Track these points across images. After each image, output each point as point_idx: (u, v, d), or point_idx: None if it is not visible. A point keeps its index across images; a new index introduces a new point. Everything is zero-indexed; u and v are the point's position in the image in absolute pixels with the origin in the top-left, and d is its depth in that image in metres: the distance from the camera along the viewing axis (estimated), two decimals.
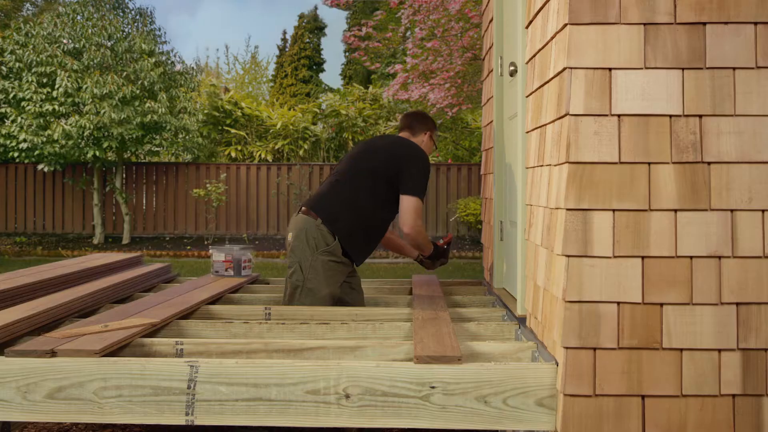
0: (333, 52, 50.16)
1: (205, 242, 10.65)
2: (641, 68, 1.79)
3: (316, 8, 25.11)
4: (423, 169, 2.91)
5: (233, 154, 12.56)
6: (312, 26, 24.71)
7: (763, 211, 1.78)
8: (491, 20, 3.26)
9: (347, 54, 23.82)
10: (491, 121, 3.31)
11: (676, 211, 1.78)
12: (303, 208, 2.92)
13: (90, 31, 10.10)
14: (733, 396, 1.77)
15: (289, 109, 14.43)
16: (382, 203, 2.91)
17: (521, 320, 2.39)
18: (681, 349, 1.77)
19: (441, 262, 3.26)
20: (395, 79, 10.38)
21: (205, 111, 12.59)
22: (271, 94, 22.70)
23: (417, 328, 2.21)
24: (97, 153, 9.78)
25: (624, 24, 1.80)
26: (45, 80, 9.77)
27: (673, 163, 1.79)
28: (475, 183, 11.34)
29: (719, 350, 1.77)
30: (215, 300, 2.98)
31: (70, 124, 9.44)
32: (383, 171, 2.88)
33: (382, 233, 3.04)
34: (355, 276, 3.03)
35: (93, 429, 2.73)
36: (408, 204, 2.82)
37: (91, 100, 9.54)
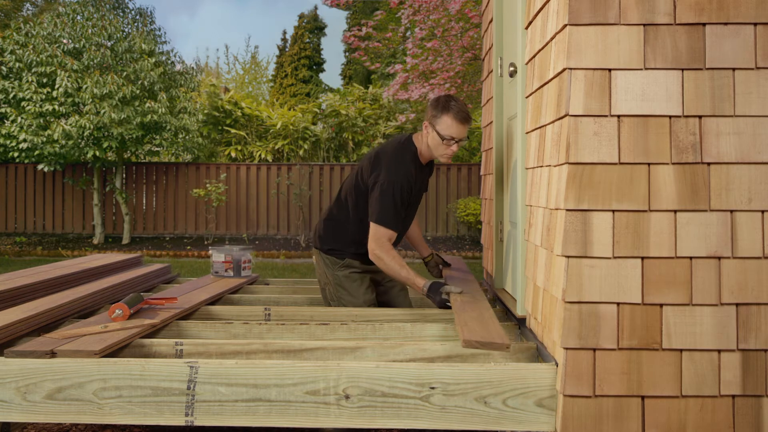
0: (333, 52, 50.16)
1: (205, 242, 10.65)
2: (641, 69, 1.80)
3: (316, 8, 25.15)
4: (384, 191, 2.58)
5: (233, 154, 12.55)
6: (312, 26, 24.71)
7: (762, 211, 1.78)
8: (491, 21, 3.26)
9: (347, 54, 23.85)
10: (491, 122, 3.31)
11: (675, 211, 1.78)
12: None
13: (90, 31, 10.10)
14: (733, 396, 1.77)
15: (289, 109, 14.44)
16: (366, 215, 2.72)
17: (521, 321, 2.39)
18: (681, 350, 1.77)
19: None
20: (395, 79, 10.37)
21: (205, 111, 12.59)
22: (271, 94, 22.71)
23: (458, 309, 2.16)
24: (97, 153, 9.78)
25: (624, 25, 1.80)
26: (45, 80, 9.77)
27: (673, 163, 1.79)
28: (475, 183, 11.34)
29: (719, 351, 1.77)
30: (215, 300, 2.99)
31: (70, 124, 9.44)
32: (362, 187, 2.73)
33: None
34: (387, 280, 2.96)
35: (93, 430, 2.73)
36: (370, 230, 2.63)
37: (91, 100, 9.54)
